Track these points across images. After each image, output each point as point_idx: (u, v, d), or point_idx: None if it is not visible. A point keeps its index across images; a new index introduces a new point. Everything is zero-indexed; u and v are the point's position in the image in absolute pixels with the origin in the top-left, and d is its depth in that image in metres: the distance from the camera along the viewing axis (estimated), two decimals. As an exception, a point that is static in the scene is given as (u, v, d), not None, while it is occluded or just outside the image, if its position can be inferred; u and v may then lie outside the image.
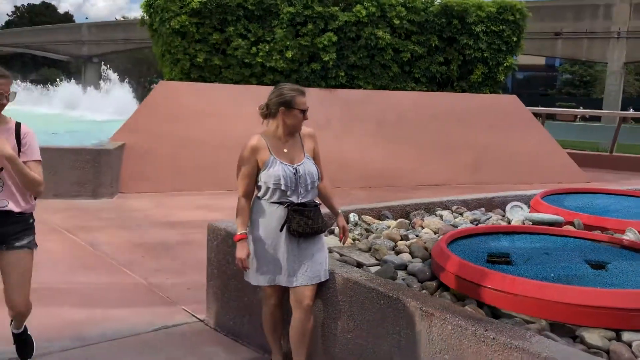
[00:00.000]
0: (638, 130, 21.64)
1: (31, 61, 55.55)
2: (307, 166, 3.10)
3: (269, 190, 3.04)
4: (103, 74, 18.95)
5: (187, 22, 9.77)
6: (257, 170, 3.09)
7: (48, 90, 21.26)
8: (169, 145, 8.94)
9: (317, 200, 3.21)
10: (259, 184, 3.09)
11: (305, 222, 3.01)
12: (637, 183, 10.46)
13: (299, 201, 3.05)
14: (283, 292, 3.23)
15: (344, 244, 3.45)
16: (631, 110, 36.97)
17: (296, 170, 3.05)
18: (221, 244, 3.91)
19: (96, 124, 12.98)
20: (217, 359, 3.59)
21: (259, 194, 3.12)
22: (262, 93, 10.37)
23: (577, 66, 53.25)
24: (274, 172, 3.02)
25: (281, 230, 3.03)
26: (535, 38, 37.52)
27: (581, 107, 38.62)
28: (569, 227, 4.41)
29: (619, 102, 39.30)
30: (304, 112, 3.08)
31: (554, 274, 3.19)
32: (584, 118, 35.38)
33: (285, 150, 3.10)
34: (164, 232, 6.42)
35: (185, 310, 4.32)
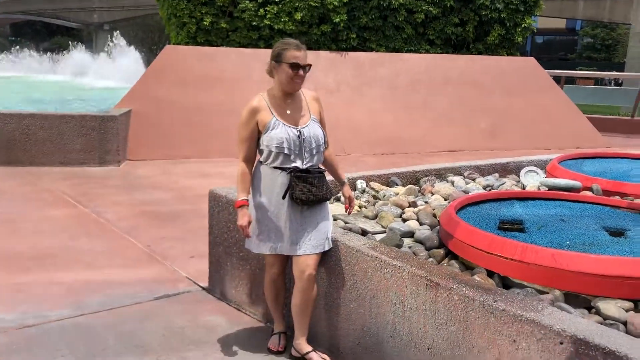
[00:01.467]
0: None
1: (44, 29, 55.32)
2: (312, 129, 2.92)
3: (271, 155, 2.87)
4: (113, 41, 18.73)
5: (193, -16, 9.51)
6: (258, 133, 2.91)
7: (59, 56, 21.12)
8: (176, 112, 8.79)
9: (322, 167, 3.04)
10: (261, 147, 2.91)
11: (309, 189, 2.86)
12: (659, 147, 10.14)
13: (303, 167, 2.88)
14: (286, 261, 3.10)
15: (349, 214, 3.29)
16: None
17: (300, 132, 2.87)
18: (223, 211, 3.78)
19: (106, 91, 12.84)
20: (220, 328, 3.49)
21: (261, 159, 2.95)
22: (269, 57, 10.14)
23: (598, 29, 51.83)
24: (276, 134, 2.84)
25: (284, 197, 2.87)
26: (555, -1, 36.45)
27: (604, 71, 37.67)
28: (587, 193, 4.20)
29: (641, 66, 38.21)
30: (294, 67, 2.82)
31: (569, 241, 3.01)
32: (604, 82, 34.51)
33: (288, 112, 2.91)
34: (170, 200, 6.32)
35: (188, 279, 4.22)
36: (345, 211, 3.24)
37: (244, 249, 3.61)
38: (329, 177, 3.15)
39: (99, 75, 16.36)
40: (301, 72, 2.85)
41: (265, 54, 9.46)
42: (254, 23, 9.85)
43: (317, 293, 2.99)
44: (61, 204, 6.03)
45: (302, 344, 2.99)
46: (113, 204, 6.07)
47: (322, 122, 3.04)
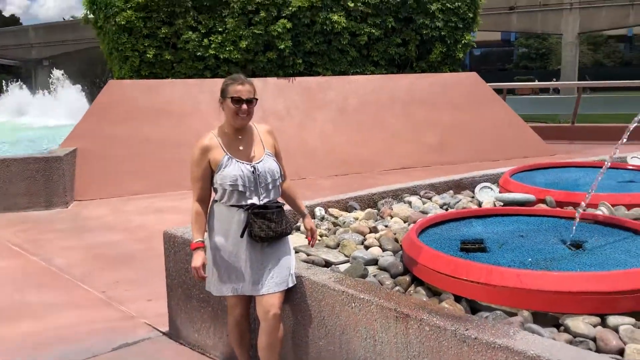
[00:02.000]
0: (595, 100, 21.95)
1: (-20, 68, 53.51)
2: (266, 163, 2.84)
3: (226, 193, 2.78)
4: (52, 76, 18.19)
5: (133, 17, 9.35)
6: (211, 172, 2.82)
7: (-4, 97, 20.42)
8: (123, 147, 8.56)
9: (281, 200, 2.97)
10: (215, 186, 2.82)
11: (267, 225, 2.77)
12: (601, 152, 10.52)
13: (260, 203, 2.80)
14: (249, 301, 3.00)
15: (312, 246, 3.22)
16: (587, 78, 37.68)
17: (254, 168, 2.79)
18: (179, 252, 3.65)
19: (48, 130, 12.42)
20: (183, 375, 3.35)
21: (216, 197, 2.86)
22: (218, 86, 10.10)
23: (532, 39, 53.98)
24: (229, 172, 2.75)
25: (242, 236, 2.78)
26: (490, 14, 37.80)
27: (536, 80, 39.18)
28: (542, 205, 4.28)
29: (575, 73, 40.00)
30: (236, 102, 2.75)
31: (531, 258, 3.03)
32: (543, 90, 35.83)
33: (240, 148, 2.83)
34: (123, 240, 6.11)
35: (147, 324, 4.05)
36: (308, 243, 3.18)
37: (204, 290, 3.49)
38: (287, 208, 3.09)
39: (40, 113, 15.83)
40: (244, 106, 2.77)
41: (212, 84, 9.43)
42: (199, 53, 9.76)
43: (283, 333, 2.90)
44: (6, 253, 5.73)
45: None
46: (63, 250, 5.81)
47: (277, 156, 2.98)
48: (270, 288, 2.80)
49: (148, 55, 9.59)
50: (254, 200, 2.79)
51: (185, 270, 3.62)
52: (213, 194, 2.89)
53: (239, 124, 2.81)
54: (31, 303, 4.46)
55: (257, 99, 2.84)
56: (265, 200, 2.83)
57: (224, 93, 2.80)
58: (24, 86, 21.85)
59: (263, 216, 2.77)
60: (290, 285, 2.88)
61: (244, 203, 2.78)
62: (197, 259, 2.79)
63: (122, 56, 9.60)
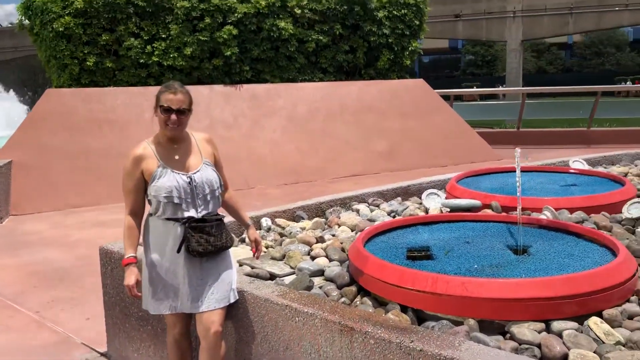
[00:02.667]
0: (537, 105, 22.62)
1: None
2: (204, 173, 2.68)
3: (161, 205, 2.61)
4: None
5: (71, 24, 9.00)
6: (145, 183, 2.65)
7: None
8: (63, 158, 8.22)
9: (222, 212, 2.83)
10: (149, 198, 2.66)
11: (206, 239, 2.62)
12: (547, 156, 10.78)
13: (198, 216, 2.65)
14: (189, 319, 2.84)
15: (257, 258, 3.09)
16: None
17: (191, 179, 2.64)
18: (116, 268, 3.47)
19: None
20: (121, 399, 3.16)
21: (151, 210, 2.69)
22: (161, 94, 9.72)
23: (478, 47, 55.47)
24: (164, 183, 2.59)
25: (178, 251, 2.62)
26: (436, 21, 38.62)
27: (476, 85, 40.16)
28: (487, 211, 4.29)
29: (520, 79, 41.28)
30: (165, 111, 2.60)
31: (477, 264, 3.00)
32: (491, 97, 36.78)
33: (176, 157, 2.67)
34: (60, 256, 5.82)
35: (85, 345, 3.84)
36: (253, 255, 3.05)
37: (143, 309, 3.32)
38: (230, 219, 2.95)
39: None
40: (173, 116, 2.60)
41: (156, 92, 9.14)
42: (142, 60, 9.49)
43: (225, 351, 2.75)
44: None
45: None
46: (-5, 268, 5.49)
47: (217, 165, 2.84)
48: (211, 305, 2.66)
49: (88, 63, 9.25)
50: (191, 212, 2.64)
51: (123, 287, 3.43)
52: (148, 206, 2.74)
53: (169, 134, 2.66)
54: (-43, 327, 4.17)
55: (190, 110, 2.68)
56: (204, 212, 2.68)
57: (156, 101, 2.65)
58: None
59: (201, 230, 2.62)
60: (232, 301, 2.74)
61: (180, 216, 2.63)
62: (130, 277, 2.62)
63: (61, 64, 9.23)
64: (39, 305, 4.54)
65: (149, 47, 9.49)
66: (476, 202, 4.30)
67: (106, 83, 9.54)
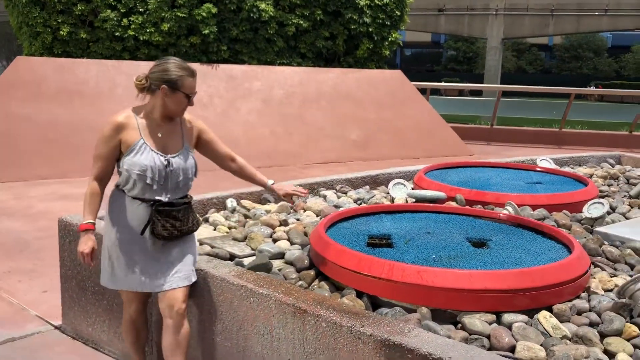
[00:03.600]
0: (514, 104, 22.88)
1: None
2: (182, 159, 2.62)
3: (130, 181, 2.54)
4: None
5: (46, -10, 8.79)
6: (120, 153, 2.57)
7: None
8: (30, 128, 8.04)
9: (189, 196, 2.73)
10: (120, 169, 2.58)
11: (172, 224, 2.57)
12: (517, 154, 10.93)
13: (166, 199, 2.58)
14: (146, 297, 2.80)
15: (305, 195, 2.96)
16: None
17: (168, 162, 2.57)
18: (74, 241, 3.41)
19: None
20: (72, 373, 3.13)
21: (118, 182, 2.61)
22: (136, 69, 9.74)
23: (460, 43, 55.77)
24: (140, 160, 2.51)
25: (142, 233, 2.57)
26: (419, 14, 38.67)
27: (455, 81, 40.47)
28: (451, 203, 4.33)
29: (498, 77, 41.64)
30: (189, 97, 2.58)
31: (435, 254, 3.03)
32: (465, 93, 37.07)
33: (159, 135, 2.58)
34: (21, 227, 5.72)
35: (39, 317, 3.78)
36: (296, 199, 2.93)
37: (98, 284, 3.28)
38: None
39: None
40: (191, 101, 2.60)
41: (130, 66, 9.03)
42: (117, 33, 9.31)
43: (189, 330, 2.68)
44: None
45: None
46: (-48, 236, 5.37)
47: (210, 140, 2.79)
48: (174, 283, 2.60)
49: (62, 33, 9.03)
50: (160, 196, 2.58)
51: (80, 262, 3.39)
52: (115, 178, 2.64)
53: (176, 114, 2.62)
54: None
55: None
56: (173, 197, 2.62)
57: (174, 84, 2.52)
58: None
59: (168, 214, 2.57)
60: (193, 280, 2.70)
61: (148, 197, 2.56)
62: (87, 243, 2.56)
63: (33, 31, 9.00)
64: (-5, 275, 4.46)
65: (125, 20, 9.30)
66: (441, 194, 4.34)
67: (79, 54, 9.35)
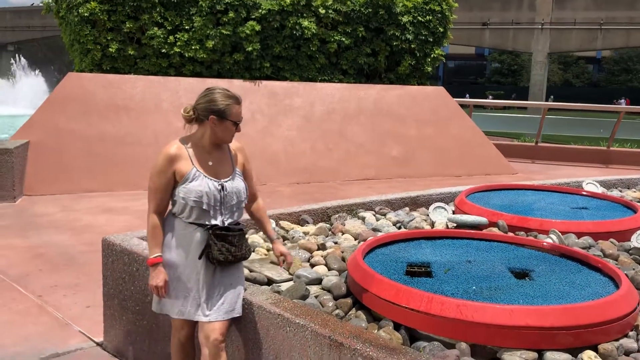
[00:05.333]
0: (560, 121, 22.37)
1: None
2: (235, 183, 2.68)
3: (187, 208, 2.60)
4: (14, 63, 17.61)
5: (97, 10, 9.08)
6: (175, 184, 2.64)
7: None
8: (78, 143, 8.30)
9: (243, 222, 2.80)
10: (175, 198, 2.64)
11: (227, 249, 2.61)
12: (563, 174, 10.67)
13: (223, 224, 2.64)
14: (196, 323, 2.80)
15: (288, 269, 3.04)
16: (551, 98, 38.43)
17: (222, 186, 2.63)
18: (117, 261, 3.49)
19: (5, 119, 12.01)
20: (112, 392, 3.19)
21: (174, 210, 2.66)
22: (181, 85, 9.89)
23: (505, 55, 54.97)
24: (195, 187, 2.58)
25: (200, 257, 2.61)
26: (463, 28, 38.35)
27: (498, 95, 39.73)
28: (493, 229, 4.25)
29: (543, 91, 40.85)
30: (237, 124, 2.65)
31: (475, 286, 2.97)
32: (511, 107, 36.43)
33: (210, 163, 2.67)
34: (68, 241, 5.88)
35: (82, 333, 3.87)
36: (287, 268, 3.01)
37: (140, 303, 3.34)
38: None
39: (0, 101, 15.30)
40: (239, 128, 2.67)
41: (175, 82, 9.23)
42: (164, 50, 9.54)
43: None
44: (-59, 249, 5.46)
45: None
46: (3, 248, 5.56)
47: (248, 175, 2.84)
48: (219, 316, 2.63)
49: (110, 49, 9.32)
50: (217, 220, 2.64)
51: (123, 280, 3.46)
52: (170, 206, 2.71)
53: (224, 141, 2.70)
54: (-41, 305, 4.23)
55: None
56: (229, 221, 2.67)
57: (222, 113, 2.60)
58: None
59: (224, 239, 2.62)
60: (237, 314, 2.70)
61: (205, 222, 2.62)
62: (159, 276, 2.61)
63: (84, 49, 9.32)
64: (42, 289, 4.59)
65: (171, 37, 9.53)
66: (482, 220, 4.26)
67: (127, 70, 9.61)
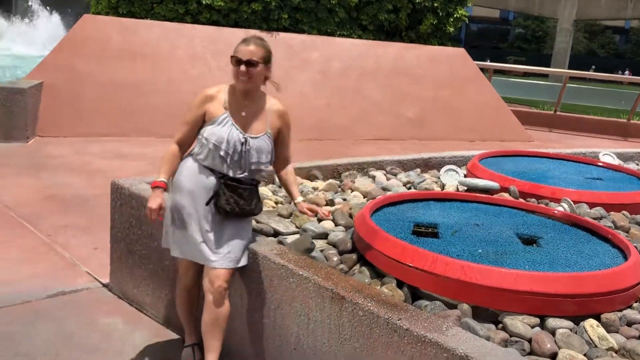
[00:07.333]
0: (583, 90, 21.94)
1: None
2: (260, 142, 2.66)
3: (205, 150, 2.62)
4: (30, 4, 17.44)
5: (115, -49, 8.90)
6: (202, 123, 2.67)
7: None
8: (93, 86, 8.26)
9: (257, 179, 2.75)
10: (199, 137, 2.66)
11: (235, 200, 2.61)
12: (581, 144, 10.52)
13: (235, 176, 2.63)
14: (201, 268, 2.78)
15: (325, 215, 2.96)
16: (593, 68, 37.55)
17: (246, 140, 2.62)
18: (125, 204, 3.51)
19: (20, 59, 11.96)
20: (116, 333, 3.24)
21: (195, 150, 2.70)
22: (197, 33, 9.76)
23: (530, 21, 53.65)
24: (219, 131, 2.60)
25: (207, 204, 2.62)
26: (489, -10, 37.28)
27: (521, 62, 38.97)
28: (504, 195, 4.20)
29: (566, 60, 39.91)
30: (237, 62, 2.60)
31: (482, 249, 2.95)
32: (532, 74, 35.73)
33: (243, 114, 2.66)
34: (79, 183, 5.91)
35: (89, 274, 3.93)
36: (316, 217, 2.96)
37: (146, 247, 3.37)
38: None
39: (16, 42, 15.22)
40: (242, 67, 2.59)
41: (191, 29, 9.09)
42: (181, -4, 9.38)
43: (229, 310, 2.69)
44: (-46, 184, 5.52)
45: None
46: (15, 186, 5.61)
47: (283, 140, 2.80)
48: (224, 263, 2.63)
49: (128, -8, 9.18)
50: (230, 171, 2.64)
51: (130, 224, 3.48)
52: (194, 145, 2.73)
53: (240, 86, 2.66)
54: (-30, 239, 4.29)
55: (262, 63, 2.64)
56: (242, 176, 2.66)
57: (234, 53, 2.63)
58: (3, 11, 21.00)
59: (234, 190, 2.61)
60: (242, 264, 2.71)
61: (218, 169, 2.63)
62: (155, 200, 2.63)
63: (101, -10, 9.19)
64: (51, 228, 4.64)
65: (189, -17, 9.35)
66: (494, 184, 4.21)
67: (143, 15, 9.47)
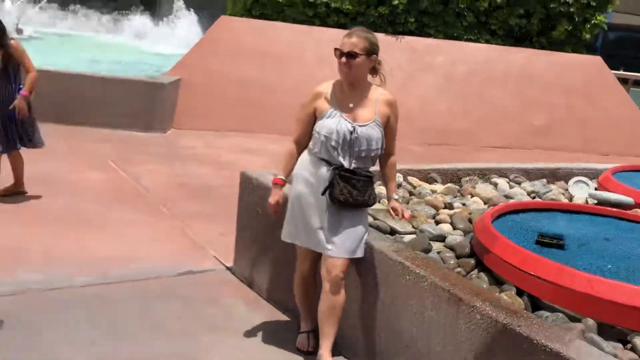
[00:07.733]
0: None
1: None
2: (369, 130, 2.73)
3: (318, 143, 2.77)
4: (175, 4, 18.75)
5: (254, -44, 9.36)
6: (314, 119, 2.83)
7: (121, 17, 21.34)
8: (225, 84, 8.76)
9: (372, 172, 2.83)
10: (313, 132, 2.82)
11: (349, 191, 2.70)
12: None
13: (350, 167, 2.73)
14: (319, 257, 2.90)
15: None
16: None
17: (354, 129, 2.71)
18: (252, 194, 3.71)
19: (163, 58, 12.93)
20: (236, 312, 3.45)
21: (310, 145, 2.86)
22: (324, 36, 9.95)
23: (677, 29, 49.07)
24: (328, 123, 2.73)
25: (323, 194, 2.74)
26: (633, -5, 34.56)
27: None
28: (639, 211, 3.92)
29: None
30: (342, 54, 2.71)
31: (611, 265, 2.79)
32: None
33: (350, 105, 2.77)
34: (209, 173, 6.31)
35: (215, 257, 4.19)
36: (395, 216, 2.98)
37: (269, 236, 3.54)
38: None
39: (158, 40, 16.46)
40: (343, 59, 2.70)
41: (319, 32, 9.34)
42: (311, 0, 9.66)
43: (344, 299, 2.77)
44: (101, 165, 6.09)
45: (324, 356, 2.75)
46: (152, 172, 6.10)
47: (390, 129, 2.85)
48: (340, 252, 2.73)
49: (261, -5, 9.61)
50: (344, 162, 2.73)
51: (255, 214, 3.67)
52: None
53: (342, 77, 2.79)
54: (115, 218, 4.73)
55: (364, 54, 2.71)
56: (355, 166, 2.75)
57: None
58: (148, 11, 22.72)
59: (348, 180, 2.71)
60: (359, 255, 2.79)
61: (333, 160, 2.75)
62: (274, 196, 2.88)
63: (237, -7, 9.70)
64: (183, 213, 5.00)
65: (319, -13, 9.61)
66: (628, 199, 3.95)
67: (274, 17, 9.87)
